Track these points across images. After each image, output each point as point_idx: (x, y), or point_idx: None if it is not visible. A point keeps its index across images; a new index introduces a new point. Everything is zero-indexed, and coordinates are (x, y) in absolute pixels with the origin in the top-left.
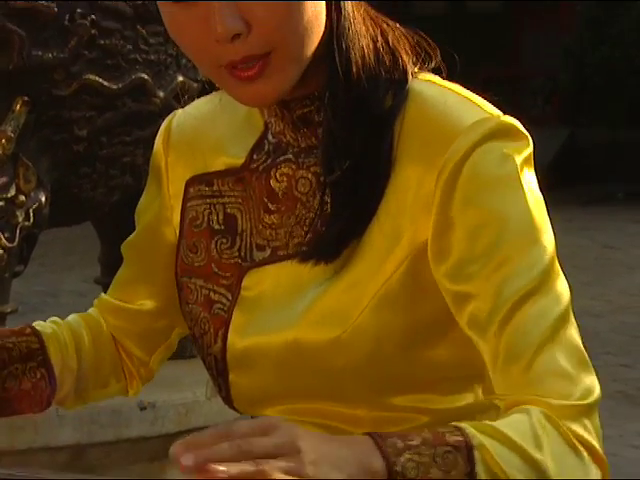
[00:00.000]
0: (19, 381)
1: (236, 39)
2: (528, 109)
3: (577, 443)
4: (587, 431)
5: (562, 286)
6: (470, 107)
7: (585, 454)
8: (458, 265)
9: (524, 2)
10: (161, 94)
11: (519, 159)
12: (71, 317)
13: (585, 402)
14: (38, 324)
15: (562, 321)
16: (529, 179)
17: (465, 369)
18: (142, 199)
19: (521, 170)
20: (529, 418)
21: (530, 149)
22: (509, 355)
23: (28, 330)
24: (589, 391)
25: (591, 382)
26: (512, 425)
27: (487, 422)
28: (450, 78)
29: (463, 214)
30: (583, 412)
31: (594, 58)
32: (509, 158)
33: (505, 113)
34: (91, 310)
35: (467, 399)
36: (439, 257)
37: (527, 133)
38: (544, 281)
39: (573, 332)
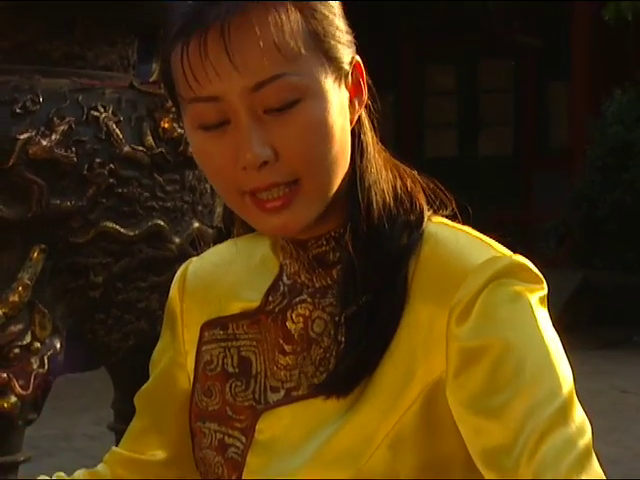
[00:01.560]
0: None
1: (263, 167)
2: (541, 252)
3: None
4: None
5: (582, 417)
6: (481, 246)
7: None
8: (478, 398)
9: (535, 145)
10: (177, 240)
11: (532, 298)
12: (77, 473)
13: None
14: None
15: (587, 451)
16: (543, 316)
17: None
18: (157, 348)
19: (535, 308)
20: None
21: (544, 291)
22: None
23: None
24: None
25: None
26: None
27: None
28: (462, 220)
29: (479, 348)
30: None
31: (606, 202)
32: (521, 295)
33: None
34: (100, 466)
35: None
36: (457, 390)
37: (540, 275)
38: (565, 412)
39: (597, 463)
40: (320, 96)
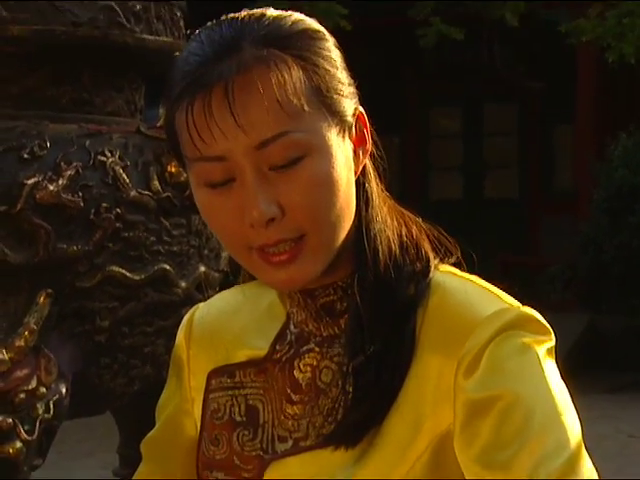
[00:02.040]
0: None
1: (270, 223)
2: (547, 295)
3: None
4: None
5: (591, 469)
6: (489, 298)
7: None
8: (486, 451)
9: (541, 189)
10: (183, 284)
11: (540, 349)
12: None
13: None
14: None
15: None
16: (551, 368)
17: None
18: (163, 394)
19: (543, 360)
20: None
21: (552, 342)
22: None
23: None
24: None
25: None
26: None
27: None
28: (468, 264)
29: (486, 400)
30: None
31: (612, 245)
32: (529, 348)
33: (524, 299)
34: None
35: None
36: (465, 443)
37: (548, 326)
38: (574, 464)
39: None
40: (324, 151)
